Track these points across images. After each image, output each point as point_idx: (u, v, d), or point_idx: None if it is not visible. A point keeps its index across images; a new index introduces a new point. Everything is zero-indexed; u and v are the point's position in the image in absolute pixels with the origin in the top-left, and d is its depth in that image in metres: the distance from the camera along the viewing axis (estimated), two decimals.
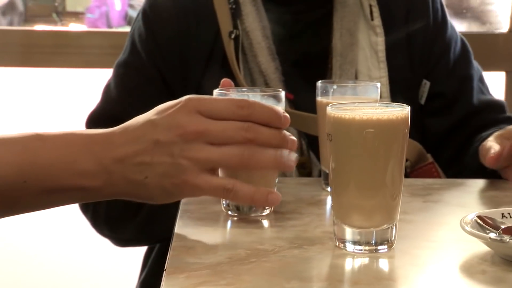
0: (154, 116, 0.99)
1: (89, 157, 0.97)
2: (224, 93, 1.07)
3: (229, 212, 1.07)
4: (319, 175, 1.39)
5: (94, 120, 1.45)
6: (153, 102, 1.41)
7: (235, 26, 1.40)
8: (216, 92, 1.08)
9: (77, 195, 1.00)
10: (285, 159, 1.00)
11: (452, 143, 1.47)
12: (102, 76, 2.19)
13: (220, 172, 1.03)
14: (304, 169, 1.40)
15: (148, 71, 1.43)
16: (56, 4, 3.80)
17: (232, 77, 1.37)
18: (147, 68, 1.43)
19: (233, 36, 1.39)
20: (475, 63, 1.53)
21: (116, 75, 1.46)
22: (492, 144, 1.25)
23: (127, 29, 1.76)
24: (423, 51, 1.48)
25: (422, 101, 1.46)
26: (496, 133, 1.30)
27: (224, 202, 1.07)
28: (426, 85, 1.47)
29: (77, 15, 4.29)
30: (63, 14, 4.23)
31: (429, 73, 1.48)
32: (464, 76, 1.49)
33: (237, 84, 1.36)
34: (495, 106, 1.50)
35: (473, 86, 1.49)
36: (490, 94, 1.52)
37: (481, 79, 1.52)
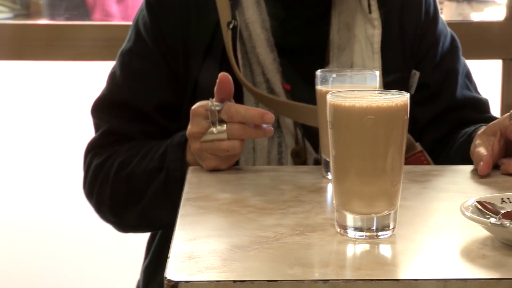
0: None
1: None
2: None
3: None
4: (314, 164, 1.39)
5: (100, 106, 1.46)
6: (160, 87, 1.42)
7: (234, 17, 1.40)
8: None
9: None
10: None
11: (432, 134, 1.47)
12: (95, 68, 2.19)
13: None
14: (299, 157, 1.39)
15: (154, 57, 1.43)
16: None
17: (231, 67, 1.37)
18: (153, 54, 1.43)
19: (231, 26, 1.39)
20: (463, 60, 1.54)
21: (121, 63, 1.46)
22: (479, 150, 1.25)
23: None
24: (413, 43, 1.49)
25: (412, 91, 1.46)
26: (479, 132, 1.30)
27: None
28: (415, 75, 1.47)
29: None
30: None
31: (418, 64, 1.48)
32: (449, 70, 1.50)
33: (233, 75, 1.35)
34: (479, 104, 1.50)
35: (457, 80, 1.49)
36: (476, 92, 1.52)
37: (468, 76, 1.53)
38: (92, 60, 2.10)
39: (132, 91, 1.43)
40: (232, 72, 1.35)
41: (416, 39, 1.49)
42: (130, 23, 1.50)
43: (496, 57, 2.13)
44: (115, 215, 1.42)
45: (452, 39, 1.53)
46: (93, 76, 2.29)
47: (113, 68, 1.47)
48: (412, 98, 1.44)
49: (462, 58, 1.53)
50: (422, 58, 1.49)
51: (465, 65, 1.53)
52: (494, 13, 3.17)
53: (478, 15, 3.23)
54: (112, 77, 1.46)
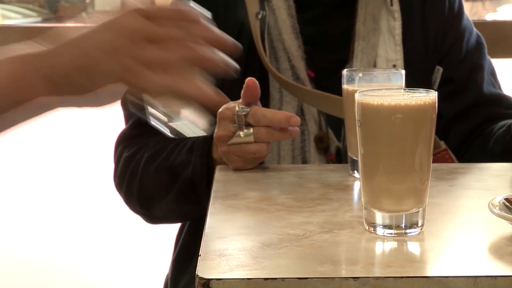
0: (98, 27, 0.94)
1: (35, 73, 0.94)
2: None
3: None
4: (336, 151, 1.38)
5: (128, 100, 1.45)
6: None
7: (262, 8, 1.39)
8: None
9: (33, 108, 0.96)
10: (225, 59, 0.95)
11: (459, 129, 1.45)
12: None
13: None
14: (322, 143, 1.39)
15: None
16: (88, 1, 3.80)
17: (258, 58, 1.37)
18: None
19: (259, 16, 1.39)
20: (489, 58, 1.52)
21: None
22: None
23: None
24: (436, 38, 1.47)
25: (435, 87, 1.45)
26: None
27: None
28: (439, 71, 1.46)
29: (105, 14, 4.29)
30: (93, 13, 4.23)
31: (442, 60, 1.47)
32: (475, 65, 1.48)
33: (262, 72, 1.35)
34: (505, 100, 1.48)
35: (483, 76, 1.48)
36: (500, 89, 1.51)
37: (493, 73, 1.51)
38: None
39: None
40: (259, 61, 1.35)
41: (440, 34, 1.47)
42: None
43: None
44: (143, 207, 1.42)
45: (478, 37, 1.51)
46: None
47: None
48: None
49: (487, 55, 1.51)
50: (446, 53, 1.47)
51: (490, 63, 1.51)
52: (508, 13, 3.15)
53: (492, 15, 3.21)
54: None
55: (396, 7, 1.43)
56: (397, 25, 1.43)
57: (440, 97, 1.42)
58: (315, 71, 1.41)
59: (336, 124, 1.36)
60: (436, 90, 1.42)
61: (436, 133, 1.41)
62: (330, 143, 1.39)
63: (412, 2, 1.46)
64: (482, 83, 1.46)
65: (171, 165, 1.35)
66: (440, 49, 1.47)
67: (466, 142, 1.44)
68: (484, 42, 1.52)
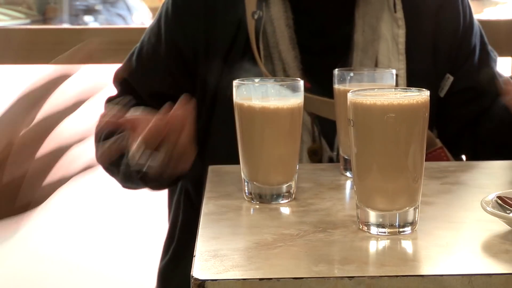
0: None
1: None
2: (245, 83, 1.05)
3: (252, 201, 1.04)
4: (329, 162, 1.37)
5: (115, 75, 1.46)
6: (164, 79, 1.41)
7: (260, 8, 1.38)
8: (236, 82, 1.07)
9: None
10: None
11: (480, 128, 1.44)
12: (102, 70, 2.20)
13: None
14: (316, 155, 1.38)
15: (163, 48, 1.42)
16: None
17: (253, 59, 1.36)
18: (164, 45, 1.42)
19: (255, 16, 1.37)
20: (490, 49, 1.50)
21: (142, 40, 1.47)
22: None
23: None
24: (451, 49, 1.45)
25: (442, 94, 1.43)
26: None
27: (246, 191, 1.05)
28: (449, 79, 1.44)
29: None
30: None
31: (455, 70, 1.45)
32: (492, 73, 1.46)
33: (256, 68, 1.34)
34: None
35: (497, 80, 1.46)
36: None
37: (499, 73, 1.50)
38: (98, 63, 2.09)
39: (138, 76, 1.43)
40: (254, 63, 1.35)
41: (454, 46, 1.45)
42: (134, 26, 1.50)
43: (505, 54, 2.11)
44: (111, 175, 1.41)
45: (481, 36, 1.49)
46: (100, 78, 2.30)
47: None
48: (452, 100, 1.43)
49: (490, 49, 1.49)
50: (461, 65, 1.45)
51: (495, 56, 1.50)
52: (493, 13, 3.17)
53: (478, 16, 3.23)
54: (132, 52, 1.47)
55: (399, 14, 1.40)
56: (401, 33, 1.40)
57: (458, 103, 1.42)
58: (312, 81, 1.39)
59: (331, 134, 1.34)
60: (442, 97, 1.42)
61: (455, 133, 1.41)
62: (324, 153, 1.38)
63: (422, 12, 1.43)
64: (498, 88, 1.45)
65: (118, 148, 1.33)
66: (454, 59, 1.45)
67: (486, 139, 1.43)
68: (485, 36, 1.50)
